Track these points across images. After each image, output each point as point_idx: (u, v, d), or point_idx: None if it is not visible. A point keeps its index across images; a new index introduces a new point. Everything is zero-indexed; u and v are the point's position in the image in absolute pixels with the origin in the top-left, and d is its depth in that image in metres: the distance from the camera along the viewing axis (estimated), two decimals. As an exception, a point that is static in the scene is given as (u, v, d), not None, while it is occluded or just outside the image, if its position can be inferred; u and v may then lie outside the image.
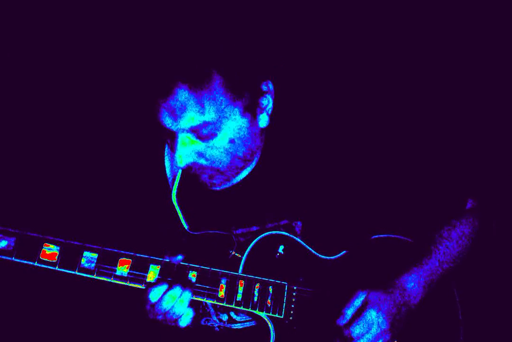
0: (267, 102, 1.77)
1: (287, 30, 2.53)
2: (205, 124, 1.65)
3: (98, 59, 2.58)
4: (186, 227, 1.88)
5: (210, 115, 1.64)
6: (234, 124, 1.70)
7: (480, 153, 2.55)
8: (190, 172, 1.78)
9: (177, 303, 1.65)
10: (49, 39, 2.57)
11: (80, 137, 2.61)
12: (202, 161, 1.75)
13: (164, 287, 1.65)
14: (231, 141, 1.72)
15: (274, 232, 1.85)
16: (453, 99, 2.61)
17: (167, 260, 1.72)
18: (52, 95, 2.63)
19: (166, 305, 1.65)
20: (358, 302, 1.72)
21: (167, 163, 1.98)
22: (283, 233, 1.85)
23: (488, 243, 1.96)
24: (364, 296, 1.72)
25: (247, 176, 1.93)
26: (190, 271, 1.73)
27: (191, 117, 1.64)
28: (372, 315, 1.69)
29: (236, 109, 1.69)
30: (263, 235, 1.83)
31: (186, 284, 1.68)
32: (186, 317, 1.69)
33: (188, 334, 1.97)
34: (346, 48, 2.64)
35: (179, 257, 1.72)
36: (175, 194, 1.90)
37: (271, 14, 2.51)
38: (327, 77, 2.62)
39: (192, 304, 1.71)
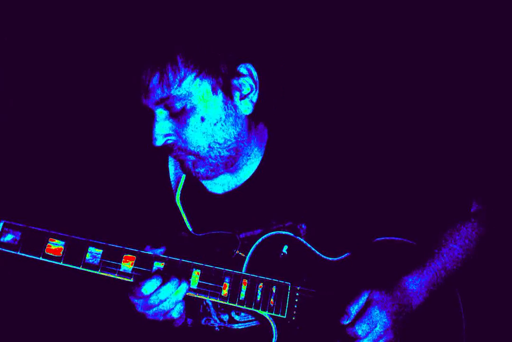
0: (248, 87, 1.76)
1: (278, 18, 2.49)
2: (173, 97, 1.69)
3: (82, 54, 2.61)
4: (190, 229, 1.88)
5: (176, 88, 1.68)
6: (206, 102, 1.72)
7: (485, 156, 2.55)
8: (172, 155, 1.80)
9: (173, 295, 1.65)
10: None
11: (87, 138, 2.62)
12: (179, 142, 1.76)
13: (157, 281, 1.64)
14: (202, 119, 1.73)
15: (278, 232, 1.85)
16: (458, 101, 2.61)
17: (149, 253, 1.72)
18: (60, 94, 2.64)
19: (162, 296, 1.64)
20: (362, 300, 1.72)
21: (171, 166, 1.99)
22: (287, 233, 1.86)
23: (493, 246, 1.96)
24: (367, 294, 1.73)
25: (250, 178, 1.93)
26: (194, 269, 1.73)
27: (157, 89, 1.68)
28: (376, 313, 1.69)
29: (205, 85, 1.71)
30: (267, 234, 1.84)
31: (182, 277, 1.68)
32: (177, 309, 1.68)
33: (188, 334, 1.97)
34: (347, 43, 2.63)
35: (160, 250, 1.73)
36: (179, 197, 1.91)
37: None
38: (331, 77, 2.62)
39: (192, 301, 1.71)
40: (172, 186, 1.95)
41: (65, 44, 2.61)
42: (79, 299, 2.41)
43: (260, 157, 1.94)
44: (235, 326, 1.94)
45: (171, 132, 1.75)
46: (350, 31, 2.62)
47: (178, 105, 1.71)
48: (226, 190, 1.95)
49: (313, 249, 1.87)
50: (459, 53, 2.58)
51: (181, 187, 1.92)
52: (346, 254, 1.92)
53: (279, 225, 1.91)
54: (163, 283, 1.64)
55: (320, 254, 1.88)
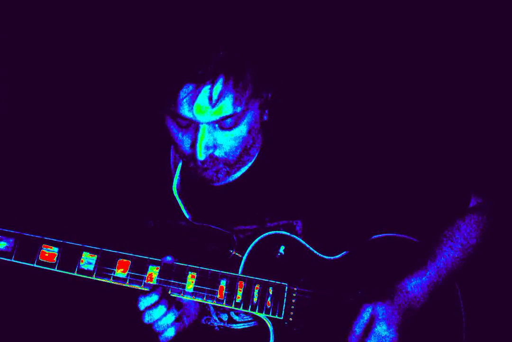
0: (270, 95, 1.80)
1: (286, 27, 2.54)
2: (233, 114, 1.66)
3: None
4: (188, 216, 1.87)
5: (240, 107, 1.66)
6: (253, 115, 1.73)
7: (483, 151, 2.53)
8: (204, 165, 1.76)
9: (163, 318, 1.68)
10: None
11: (80, 134, 2.62)
12: (218, 152, 1.74)
13: (154, 298, 1.67)
14: (248, 132, 1.74)
15: (275, 232, 1.84)
16: (453, 96, 2.59)
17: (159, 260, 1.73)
18: (57, 89, 2.64)
19: (148, 318, 1.67)
20: (366, 316, 1.71)
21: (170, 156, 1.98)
22: (284, 233, 1.84)
23: (494, 243, 1.93)
24: (370, 309, 1.71)
25: (245, 173, 1.92)
26: (189, 272, 1.73)
27: (225, 107, 1.64)
28: (382, 329, 1.68)
29: (256, 101, 1.71)
30: (264, 235, 1.82)
31: (172, 304, 1.70)
32: (167, 333, 1.70)
33: (188, 333, 1.97)
34: (346, 45, 2.63)
35: (168, 258, 1.72)
36: (175, 186, 1.90)
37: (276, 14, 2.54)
38: (327, 75, 2.61)
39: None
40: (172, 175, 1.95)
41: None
42: (78, 301, 2.42)
43: (257, 153, 1.93)
44: (234, 326, 1.94)
45: (212, 145, 1.72)
46: (345, 33, 2.62)
47: (232, 120, 1.69)
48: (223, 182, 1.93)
49: (310, 248, 1.86)
50: (460, 52, 2.57)
51: (177, 176, 1.91)
52: (343, 252, 1.90)
53: (274, 222, 1.90)
54: (157, 303, 1.66)
55: (318, 253, 1.86)
